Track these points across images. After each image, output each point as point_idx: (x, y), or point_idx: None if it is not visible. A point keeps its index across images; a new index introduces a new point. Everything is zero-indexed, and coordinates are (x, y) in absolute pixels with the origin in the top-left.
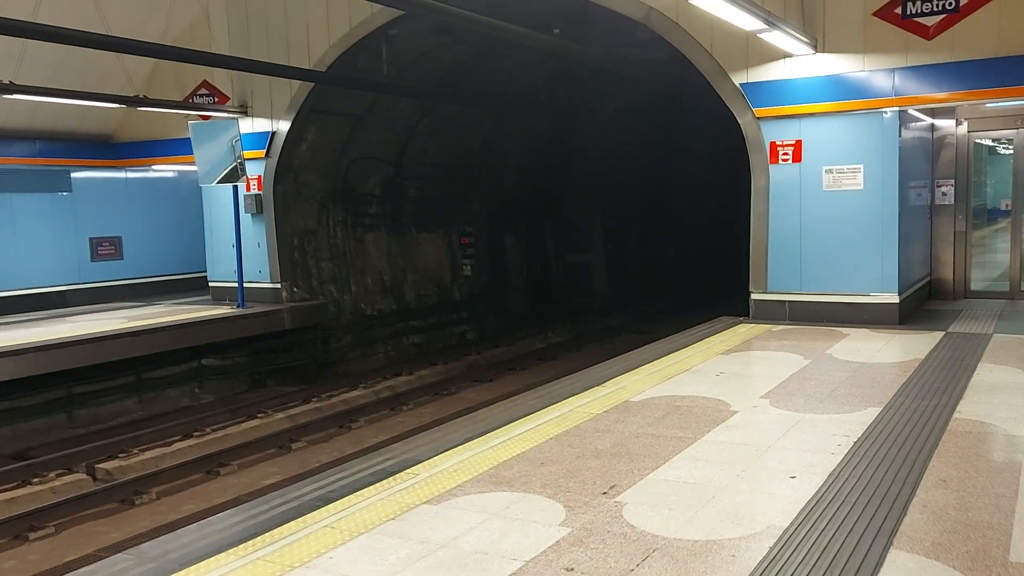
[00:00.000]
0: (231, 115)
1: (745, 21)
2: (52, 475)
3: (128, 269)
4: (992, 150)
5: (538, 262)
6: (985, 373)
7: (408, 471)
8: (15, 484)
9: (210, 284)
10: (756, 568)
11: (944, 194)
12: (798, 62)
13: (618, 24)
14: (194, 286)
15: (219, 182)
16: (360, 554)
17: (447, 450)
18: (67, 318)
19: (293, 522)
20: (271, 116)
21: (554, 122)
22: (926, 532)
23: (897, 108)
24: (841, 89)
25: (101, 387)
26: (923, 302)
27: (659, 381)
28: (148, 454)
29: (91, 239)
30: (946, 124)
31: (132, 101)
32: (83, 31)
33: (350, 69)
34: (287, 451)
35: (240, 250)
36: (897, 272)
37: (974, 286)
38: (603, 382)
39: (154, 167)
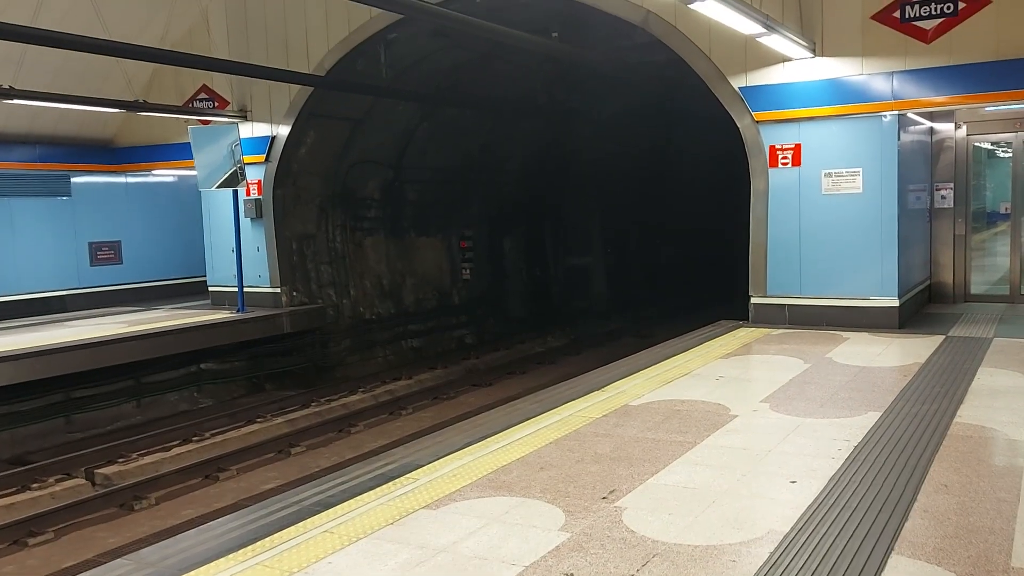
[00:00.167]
0: (231, 119)
1: (743, 25)
2: (51, 480)
3: (128, 274)
4: (991, 153)
5: (537, 266)
6: (986, 377)
7: (408, 476)
8: (14, 489)
9: (209, 288)
10: (757, 573)
11: (943, 197)
12: (797, 66)
13: (616, 27)
14: (194, 290)
15: (219, 186)
16: (359, 559)
17: (447, 455)
18: (66, 323)
19: (293, 527)
20: (271, 120)
21: (553, 125)
22: (927, 537)
23: (896, 112)
24: (840, 93)
25: (100, 391)
26: (923, 306)
27: (659, 385)
28: (147, 459)
29: (90, 244)
30: (945, 127)
31: (132, 106)
32: (82, 36)
33: (349, 73)
34: (286, 456)
35: (240, 254)
36: (897, 276)
37: (974, 289)
38: (602, 386)
39: (154, 172)
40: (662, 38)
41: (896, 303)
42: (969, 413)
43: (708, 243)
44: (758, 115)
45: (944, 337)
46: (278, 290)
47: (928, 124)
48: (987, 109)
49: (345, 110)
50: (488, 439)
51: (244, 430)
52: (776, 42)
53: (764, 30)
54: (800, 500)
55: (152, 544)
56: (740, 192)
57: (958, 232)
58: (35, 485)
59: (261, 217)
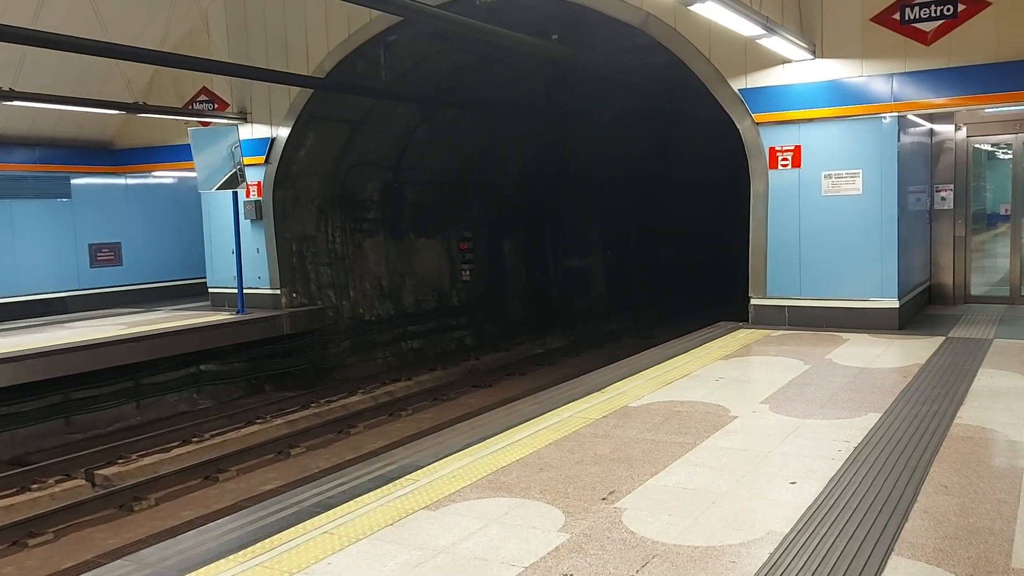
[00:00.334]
0: (230, 121)
1: (744, 27)
2: (51, 481)
3: (127, 275)
4: (991, 155)
5: (537, 267)
6: (986, 378)
7: (407, 477)
8: (14, 490)
9: (209, 290)
10: (756, 574)
11: (943, 199)
12: (797, 67)
13: (616, 29)
14: (193, 292)
15: (218, 188)
16: (359, 560)
17: (446, 456)
18: (66, 324)
19: (292, 528)
20: (270, 122)
21: (552, 127)
22: (927, 538)
23: (896, 113)
24: (840, 94)
25: (100, 393)
26: (923, 307)
27: (658, 386)
28: (147, 460)
29: (90, 245)
30: (945, 129)
31: (132, 108)
32: (82, 38)
33: (349, 75)
34: (286, 457)
35: (240, 256)
36: (897, 277)
37: (974, 291)
38: (602, 388)
39: (153, 173)
40: (662, 40)
41: (896, 304)
42: (969, 414)
43: (708, 245)
44: (758, 117)
45: (944, 338)
46: (278, 291)
47: (928, 126)
48: (987, 111)
49: (345, 112)
50: (488, 440)
51: (244, 431)
52: (776, 44)
53: (764, 32)
54: (800, 501)
55: (152, 545)
56: (740, 194)
57: (958, 233)
58: (35, 486)
59: (261, 219)
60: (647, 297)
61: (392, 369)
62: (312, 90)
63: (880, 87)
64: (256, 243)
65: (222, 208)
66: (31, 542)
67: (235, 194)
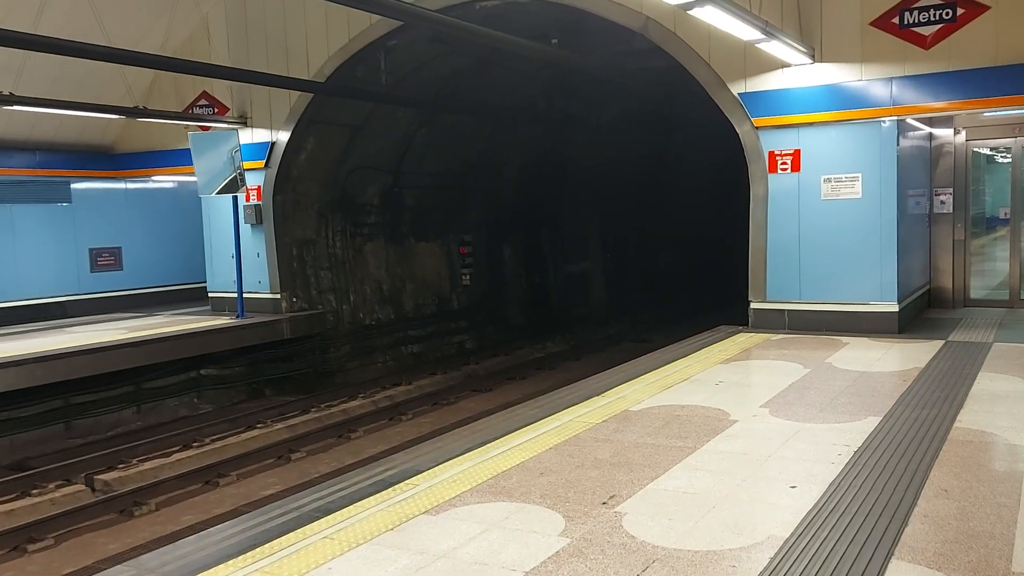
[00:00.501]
0: (231, 126)
1: (743, 31)
2: (51, 486)
3: (128, 280)
4: (990, 159)
5: (536, 271)
6: (985, 382)
7: (408, 482)
8: (14, 495)
9: (210, 294)
10: None
11: (943, 203)
12: (796, 72)
13: (615, 34)
14: (194, 296)
15: (219, 192)
16: (359, 565)
17: (446, 460)
18: (66, 329)
19: (292, 533)
20: (270, 126)
21: (551, 131)
22: (928, 542)
23: (895, 117)
24: (839, 98)
25: (100, 397)
26: (922, 311)
27: (658, 391)
28: (147, 465)
29: (91, 250)
30: (944, 133)
31: (132, 112)
32: (83, 43)
33: (349, 79)
34: (286, 461)
35: (240, 260)
36: (896, 281)
37: (973, 294)
38: (602, 392)
39: (154, 178)
40: (661, 44)
41: (896, 308)
42: (969, 418)
43: (707, 249)
44: (757, 121)
45: (944, 342)
46: (278, 296)
47: (927, 129)
48: (986, 114)
49: (345, 116)
50: (488, 445)
51: (244, 436)
52: (775, 48)
53: (763, 36)
54: (800, 505)
55: (152, 550)
56: (739, 198)
57: (957, 237)
58: (35, 491)
59: (261, 223)
60: (646, 301)
61: (392, 373)
62: (312, 94)
63: (879, 91)
64: (256, 247)
65: (222, 212)
66: (31, 547)
67: (235, 198)
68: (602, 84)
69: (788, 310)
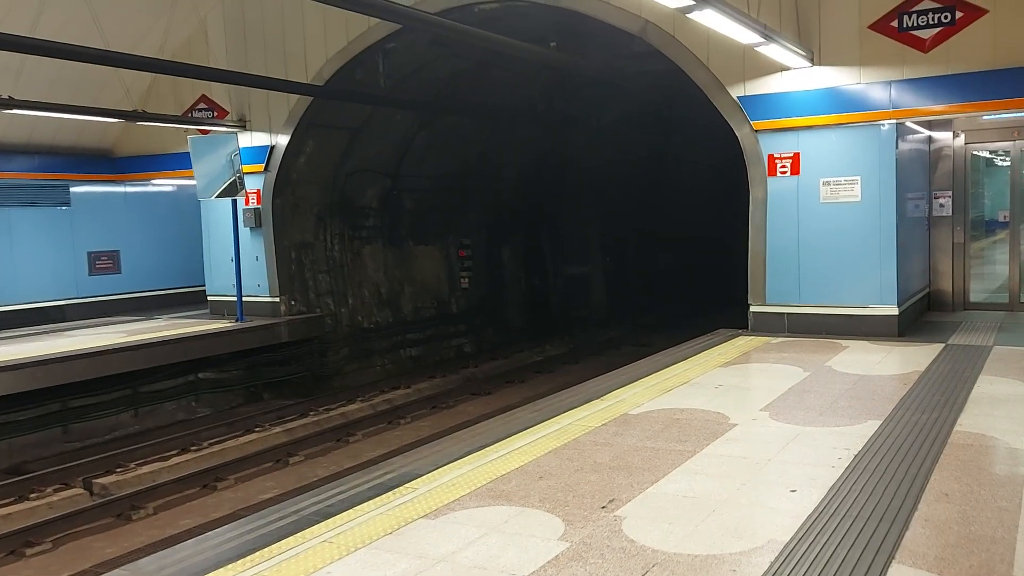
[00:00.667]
0: (230, 129)
1: (742, 34)
2: (49, 490)
3: (126, 283)
4: (989, 162)
5: (536, 274)
6: (986, 385)
7: (407, 485)
8: (11, 499)
9: (208, 298)
10: None
11: (942, 206)
12: (795, 75)
13: (614, 37)
14: (192, 300)
15: (218, 196)
16: (358, 569)
17: (445, 464)
18: (65, 332)
19: (291, 537)
20: (270, 130)
21: (550, 133)
22: (928, 547)
23: (894, 120)
24: (838, 102)
25: (98, 401)
26: (922, 314)
27: (658, 394)
28: (145, 468)
29: (89, 253)
30: (943, 136)
31: (131, 116)
32: (81, 46)
33: (348, 82)
34: (285, 465)
35: (239, 264)
36: (896, 284)
37: (973, 298)
38: (601, 395)
39: (153, 181)
40: (660, 47)
41: (895, 311)
42: (969, 421)
43: (707, 251)
44: (757, 124)
45: (944, 345)
46: (277, 299)
47: (926, 133)
48: (985, 118)
49: (343, 119)
50: (487, 448)
51: (242, 439)
52: (774, 51)
53: (762, 39)
54: (800, 509)
55: (150, 554)
56: (739, 200)
57: (957, 240)
58: (32, 495)
59: (260, 226)
60: (646, 303)
61: (391, 377)
62: (311, 97)
63: (878, 94)
64: (255, 251)
65: (221, 216)
66: (28, 551)
67: (234, 202)
68: (602, 86)
69: (788, 313)
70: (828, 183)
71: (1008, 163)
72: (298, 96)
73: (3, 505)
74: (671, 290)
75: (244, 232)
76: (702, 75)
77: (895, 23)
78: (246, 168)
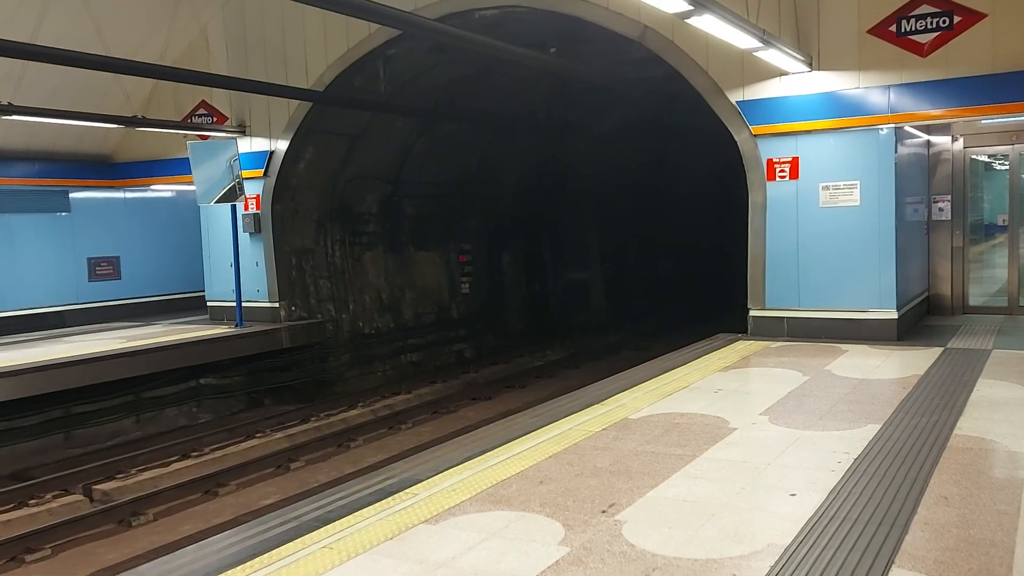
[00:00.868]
0: (229, 135)
1: (740, 39)
2: (49, 496)
3: (126, 289)
4: (988, 166)
5: (536, 279)
6: (985, 389)
7: (407, 491)
8: (12, 505)
9: (208, 303)
10: None
11: (941, 210)
12: (794, 80)
13: (614, 43)
14: (192, 305)
15: (217, 201)
16: (359, 574)
17: (446, 469)
18: (65, 338)
19: (292, 543)
20: (269, 135)
21: (551, 140)
22: (928, 550)
23: (893, 125)
24: (837, 106)
25: (99, 407)
26: (921, 318)
27: (658, 398)
28: (146, 474)
29: (89, 259)
30: (942, 140)
31: (131, 121)
32: (82, 52)
33: (347, 88)
34: (286, 471)
35: (238, 269)
36: (895, 288)
37: (972, 301)
38: (602, 400)
39: (152, 187)
40: (660, 53)
41: (895, 315)
42: (969, 425)
43: (706, 256)
44: (756, 129)
45: (943, 349)
46: (277, 305)
47: (925, 137)
48: (984, 122)
49: (343, 125)
50: (487, 453)
51: (243, 445)
52: (773, 56)
53: (761, 44)
54: (800, 513)
55: (151, 560)
56: (738, 205)
57: (956, 244)
58: (33, 501)
59: (260, 232)
60: (646, 308)
61: (392, 382)
62: (311, 103)
63: (877, 99)
64: (255, 256)
65: (221, 221)
66: (29, 558)
67: (234, 207)
68: (601, 92)
69: (787, 317)
70: (827, 187)
71: (1007, 167)
72: (298, 102)
73: (3, 511)
74: (671, 295)
75: (244, 238)
76: (701, 80)
77: (894, 28)
78: (245, 174)
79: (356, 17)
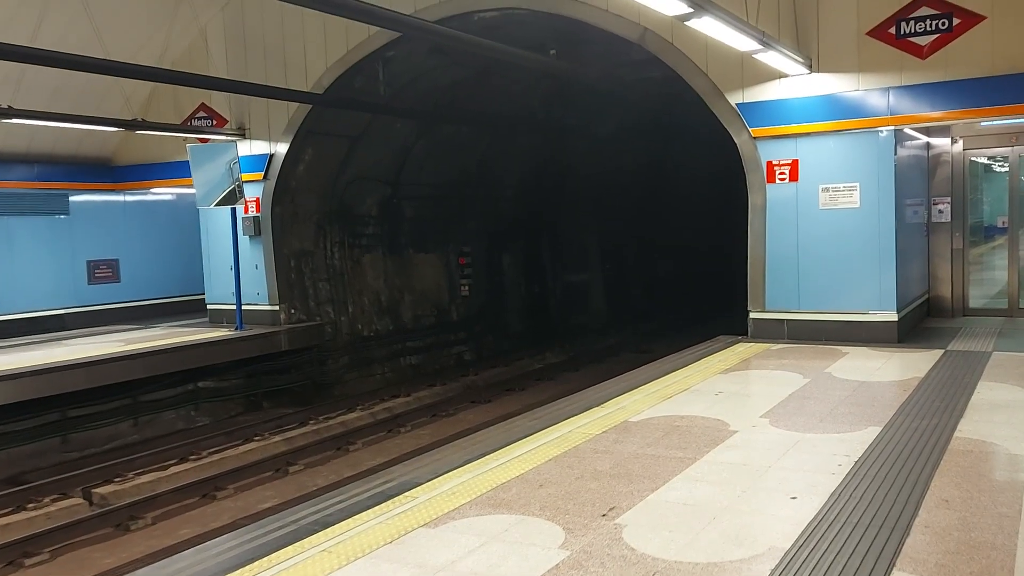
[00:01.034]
0: (229, 138)
1: (740, 42)
2: (47, 500)
3: (125, 292)
4: (988, 167)
5: (535, 281)
6: (985, 391)
7: (406, 494)
8: (10, 509)
9: (208, 306)
10: None
11: (941, 212)
12: (793, 82)
13: (613, 44)
14: (192, 308)
15: (217, 204)
16: None
17: (445, 472)
18: (64, 341)
19: (290, 547)
20: (269, 138)
21: (550, 141)
22: (929, 553)
23: (892, 127)
24: (836, 108)
25: (97, 410)
26: (922, 320)
27: (658, 401)
28: (144, 478)
29: (88, 262)
30: (941, 142)
31: (131, 125)
32: (81, 55)
33: (347, 91)
34: (284, 474)
35: (238, 272)
36: (895, 290)
37: (972, 303)
38: (601, 402)
39: (152, 190)
40: (659, 55)
41: (895, 317)
42: (969, 427)
43: (706, 258)
44: (755, 131)
45: (943, 351)
46: (276, 307)
47: (925, 139)
48: (983, 124)
49: (343, 127)
50: (487, 456)
51: (242, 448)
52: (772, 59)
53: (760, 47)
54: (801, 516)
55: (149, 564)
56: (738, 207)
57: (956, 246)
58: (31, 505)
59: (259, 235)
60: (646, 310)
61: (391, 385)
62: (310, 106)
63: (876, 101)
64: (255, 259)
65: (221, 224)
66: (27, 562)
67: (233, 210)
68: (601, 94)
69: (787, 320)
70: (827, 189)
71: (1006, 169)
72: (297, 104)
73: (1, 515)
74: (671, 297)
75: (243, 240)
76: (701, 82)
77: (893, 30)
78: (245, 176)
79: (355, 20)
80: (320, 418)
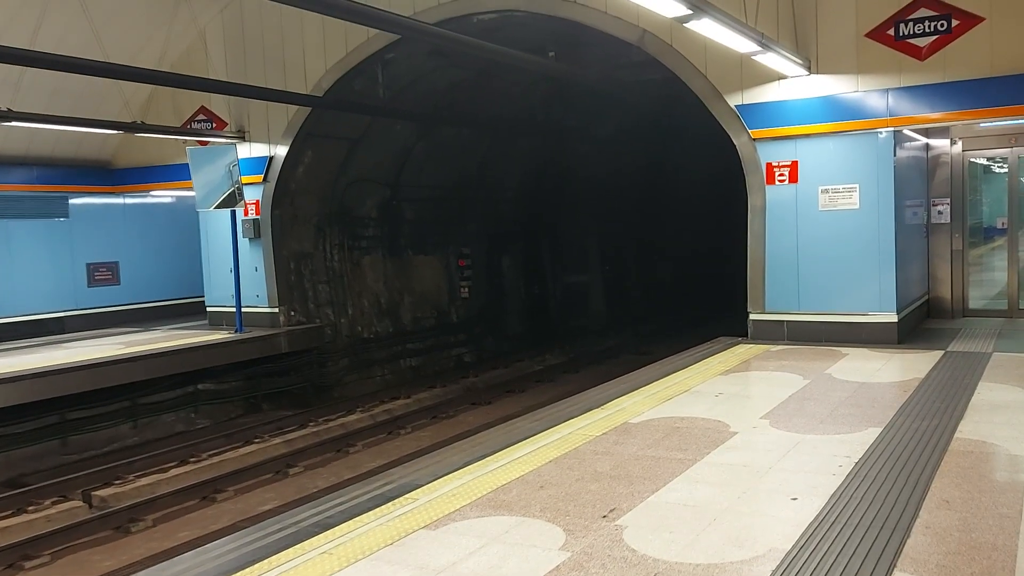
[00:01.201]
0: (229, 140)
1: (739, 43)
2: (47, 503)
3: (125, 294)
4: (987, 169)
5: (536, 283)
6: (985, 392)
7: (407, 496)
8: (9, 512)
9: (207, 309)
10: None
11: (940, 213)
12: (792, 83)
13: (613, 46)
14: (191, 311)
15: (217, 207)
16: None
17: (446, 474)
18: (64, 344)
19: (291, 549)
20: (268, 141)
21: (550, 143)
22: (930, 554)
23: (892, 128)
24: (836, 110)
25: (97, 413)
26: (921, 321)
27: (658, 402)
28: (144, 480)
29: (88, 265)
30: (941, 143)
31: (130, 127)
32: (80, 58)
33: (347, 93)
34: (284, 476)
35: (238, 274)
36: (895, 291)
37: (972, 304)
38: (602, 404)
39: (152, 193)
40: (658, 56)
41: (895, 318)
42: (970, 428)
43: (706, 259)
44: (755, 132)
45: (943, 352)
46: (276, 310)
47: (924, 140)
48: (982, 125)
49: (342, 130)
50: (487, 458)
51: (241, 451)
52: (771, 60)
53: (759, 48)
54: (801, 517)
55: (149, 567)
56: (737, 208)
57: (955, 247)
58: (31, 508)
59: (259, 237)
60: (646, 312)
61: (391, 387)
62: (310, 108)
63: (875, 102)
64: (254, 261)
65: (220, 227)
66: (27, 564)
67: (233, 213)
68: (600, 96)
69: (787, 321)
70: (826, 191)
71: (1006, 170)
72: (297, 106)
73: (1, 518)
74: (670, 299)
75: (243, 243)
76: (700, 84)
77: (892, 31)
78: (245, 179)
79: (355, 22)
80: (320, 420)
